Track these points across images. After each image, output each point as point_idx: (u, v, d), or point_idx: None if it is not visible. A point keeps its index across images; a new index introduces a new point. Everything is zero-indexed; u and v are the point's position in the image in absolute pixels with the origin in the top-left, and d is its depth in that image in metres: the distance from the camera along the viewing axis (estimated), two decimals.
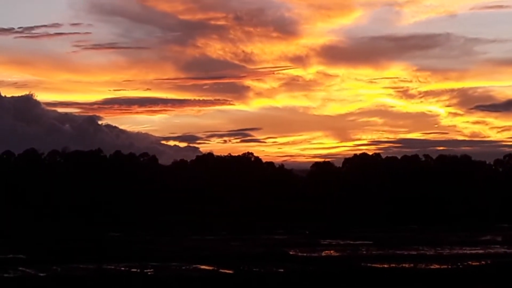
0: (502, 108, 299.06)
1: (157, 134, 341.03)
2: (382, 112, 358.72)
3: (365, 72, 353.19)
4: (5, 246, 77.46)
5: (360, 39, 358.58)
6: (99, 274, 52.70)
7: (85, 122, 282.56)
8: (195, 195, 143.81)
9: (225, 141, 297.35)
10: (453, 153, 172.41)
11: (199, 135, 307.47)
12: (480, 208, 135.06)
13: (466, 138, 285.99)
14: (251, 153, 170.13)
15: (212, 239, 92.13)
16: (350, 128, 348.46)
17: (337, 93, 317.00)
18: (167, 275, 51.65)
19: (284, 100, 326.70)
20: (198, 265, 59.21)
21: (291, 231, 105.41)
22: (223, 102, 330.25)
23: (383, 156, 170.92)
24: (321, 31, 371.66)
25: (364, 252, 72.76)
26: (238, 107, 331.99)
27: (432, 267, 57.68)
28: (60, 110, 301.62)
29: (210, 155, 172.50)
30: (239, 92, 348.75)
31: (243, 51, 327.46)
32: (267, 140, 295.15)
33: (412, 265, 58.65)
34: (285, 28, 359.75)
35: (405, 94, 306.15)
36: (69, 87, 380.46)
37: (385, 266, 58.15)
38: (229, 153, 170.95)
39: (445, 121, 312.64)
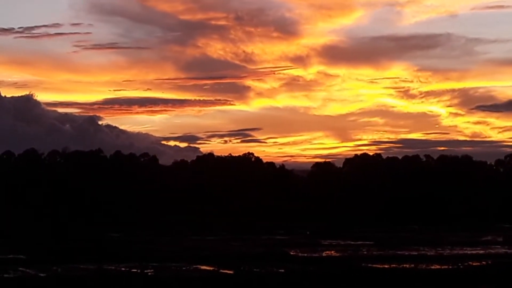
0: (503, 108, 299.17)
1: (157, 134, 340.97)
2: (383, 112, 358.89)
3: (366, 72, 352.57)
4: (5, 246, 77.37)
5: (361, 39, 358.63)
6: (99, 274, 52.62)
7: (85, 122, 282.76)
8: (196, 195, 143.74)
9: (225, 141, 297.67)
10: (454, 153, 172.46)
11: (200, 135, 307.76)
12: (481, 208, 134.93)
13: (467, 138, 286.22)
14: (252, 153, 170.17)
15: (213, 239, 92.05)
16: (351, 128, 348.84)
17: (338, 93, 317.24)
18: (167, 276, 51.58)
19: (284, 100, 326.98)
20: (199, 266, 59.13)
21: (291, 231, 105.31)
22: (224, 102, 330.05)
23: (384, 156, 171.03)
24: (322, 31, 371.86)
25: (365, 253, 72.68)
26: (238, 107, 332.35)
27: (433, 267, 57.60)
28: (60, 110, 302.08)
29: (210, 155, 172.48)
30: (240, 92, 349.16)
31: (243, 51, 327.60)
32: (267, 140, 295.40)
33: (412, 265, 58.59)
34: (285, 28, 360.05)
35: (406, 94, 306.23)
36: (69, 87, 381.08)
37: (386, 266, 58.08)
38: (230, 153, 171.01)
39: (446, 121, 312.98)
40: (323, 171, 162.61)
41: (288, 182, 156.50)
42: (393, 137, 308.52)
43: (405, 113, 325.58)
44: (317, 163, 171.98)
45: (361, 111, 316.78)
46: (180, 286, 47.02)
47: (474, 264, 60.02)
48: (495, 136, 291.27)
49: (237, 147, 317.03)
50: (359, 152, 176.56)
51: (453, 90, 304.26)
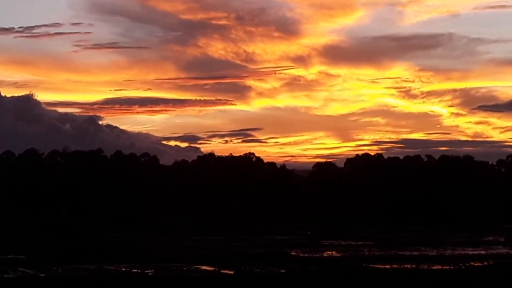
0: (505, 108, 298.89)
1: (158, 134, 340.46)
2: (384, 112, 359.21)
3: (367, 72, 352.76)
4: (6, 246, 77.22)
5: (362, 39, 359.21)
6: (99, 274, 52.47)
7: (85, 122, 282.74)
8: (196, 195, 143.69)
9: (226, 141, 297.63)
10: (455, 154, 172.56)
11: (200, 135, 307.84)
12: (482, 209, 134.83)
13: (469, 139, 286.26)
14: (253, 153, 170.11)
15: (213, 239, 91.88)
16: (352, 128, 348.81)
17: (339, 93, 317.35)
18: (168, 276, 51.42)
19: (285, 100, 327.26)
20: (199, 266, 58.97)
21: (292, 232, 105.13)
22: (225, 102, 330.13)
23: (385, 156, 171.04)
24: (323, 31, 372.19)
25: (366, 253, 72.52)
26: (239, 107, 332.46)
27: (434, 267, 57.43)
28: (61, 110, 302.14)
29: (211, 155, 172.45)
30: (241, 92, 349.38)
31: (244, 51, 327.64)
32: (268, 140, 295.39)
33: (414, 265, 58.41)
34: (286, 28, 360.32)
35: (407, 94, 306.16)
36: (70, 87, 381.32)
37: (387, 266, 57.91)
38: (231, 153, 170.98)
39: (448, 121, 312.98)
40: (324, 171, 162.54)
41: (289, 182, 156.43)
42: (394, 137, 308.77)
43: (406, 113, 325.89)
44: (318, 163, 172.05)
45: (362, 111, 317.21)
46: (180, 286, 46.87)
47: (475, 264, 59.85)
48: (497, 136, 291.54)
49: (238, 147, 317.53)
50: (360, 152, 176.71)
51: (454, 90, 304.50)
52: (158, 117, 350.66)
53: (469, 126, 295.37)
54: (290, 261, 61.99)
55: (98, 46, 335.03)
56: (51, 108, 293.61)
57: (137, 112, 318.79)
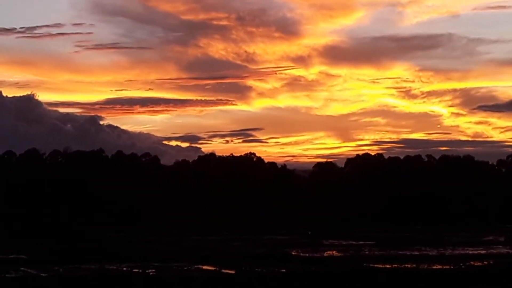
0: (505, 108, 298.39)
1: (159, 134, 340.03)
2: (385, 112, 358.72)
3: (367, 72, 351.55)
4: (7, 246, 77.40)
5: (362, 39, 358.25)
6: (101, 274, 52.61)
7: (86, 122, 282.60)
8: (197, 195, 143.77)
9: (227, 141, 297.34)
10: (456, 154, 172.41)
11: (201, 135, 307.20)
12: (482, 209, 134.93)
13: (469, 139, 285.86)
14: (253, 153, 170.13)
15: (214, 239, 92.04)
16: (353, 128, 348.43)
17: (340, 93, 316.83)
18: (169, 275, 51.57)
19: (286, 100, 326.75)
20: (200, 266, 59.12)
21: (293, 231, 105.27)
22: (225, 102, 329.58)
23: (386, 156, 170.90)
24: (323, 31, 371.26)
25: (367, 253, 72.66)
26: (240, 107, 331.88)
27: (434, 267, 57.58)
28: (62, 110, 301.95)
29: (212, 155, 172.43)
30: (241, 92, 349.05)
31: (245, 51, 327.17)
32: (269, 140, 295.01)
33: (414, 265, 58.56)
34: (287, 28, 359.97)
35: (407, 94, 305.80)
36: (71, 87, 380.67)
37: (388, 266, 58.06)
38: (231, 153, 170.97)
39: (448, 121, 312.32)
40: (325, 171, 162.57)
41: (290, 182, 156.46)
42: (394, 137, 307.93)
43: (406, 113, 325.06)
44: (318, 163, 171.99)
45: (362, 111, 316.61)
46: (182, 286, 47.01)
47: (475, 264, 59.99)
48: (497, 136, 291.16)
49: (238, 147, 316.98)
50: (360, 152, 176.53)
51: (454, 90, 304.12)
52: (159, 117, 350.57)
53: (469, 126, 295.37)
54: (291, 261, 62.14)
55: (99, 47, 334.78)
56: (52, 108, 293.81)
57: (138, 112, 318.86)
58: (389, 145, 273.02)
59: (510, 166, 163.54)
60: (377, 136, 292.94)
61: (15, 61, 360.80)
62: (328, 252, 73.66)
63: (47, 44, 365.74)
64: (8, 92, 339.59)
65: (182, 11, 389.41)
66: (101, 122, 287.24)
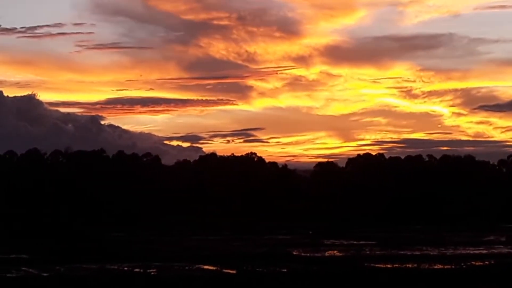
0: (506, 108, 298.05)
1: (160, 134, 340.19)
2: (386, 112, 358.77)
3: (368, 72, 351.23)
4: (8, 246, 77.46)
5: (363, 39, 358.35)
6: (102, 274, 52.63)
7: (87, 122, 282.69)
8: (198, 195, 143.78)
9: (228, 141, 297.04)
10: (456, 153, 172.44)
11: (202, 135, 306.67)
12: (483, 208, 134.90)
13: (470, 138, 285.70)
14: (254, 153, 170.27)
15: (215, 239, 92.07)
16: (354, 128, 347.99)
17: (340, 93, 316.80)
18: (170, 275, 51.57)
19: (287, 100, 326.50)
20: (201, 265, 59.13)
21: (294, 231, 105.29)
22: (226, 102, 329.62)
23: (387, 156, 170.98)
24: (324, 31, 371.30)
25: (368, 252, 72.65)
26: (241, 107, 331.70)
27: (435, 267, 57.56)
28: (63, 110, 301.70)
29: (213, 155, 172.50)
30: (242, 92, 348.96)
31: (246, 51, 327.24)
32: (270, 140, 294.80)
33: (415, 265, 58.53)
34: (288, 28, 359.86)
35: (408, 94, 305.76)
36: (72, 87, 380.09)
37: (389, 266, 58.05)
38: (232, 153, 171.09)
39: (449, 121, 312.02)
40: (326, 171, 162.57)
41: (291, 182, 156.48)
42: (395, 137, 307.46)
43: (407, 113, 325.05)
44: (319, 163, 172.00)
45: (363, 111, 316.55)
46: (183, 285, 47.01)
47: (477, 264, 59.97)
48: (498, 136, 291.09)
49: (239, 147, 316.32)
50: (361, 152, 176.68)
51: (455, 90, 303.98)
52: (160, 117, 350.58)
53: (470, 126, 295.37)
54: (292, 261, 62.12)
55: (100, 46, 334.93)
56: (53, 108, 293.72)
57: (139, 112, 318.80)
58: (390, 145, 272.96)
59: (511, 166, 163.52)
60: (378, 136, 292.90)
61: (16, 61, 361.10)
62: (329, 252, 73.66)
63: (48, 44, 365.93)
64: (9, 92, 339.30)
65: (183, 10, 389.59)
66: (102, 122, 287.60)
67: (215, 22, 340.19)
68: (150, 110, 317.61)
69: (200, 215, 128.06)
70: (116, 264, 59.41)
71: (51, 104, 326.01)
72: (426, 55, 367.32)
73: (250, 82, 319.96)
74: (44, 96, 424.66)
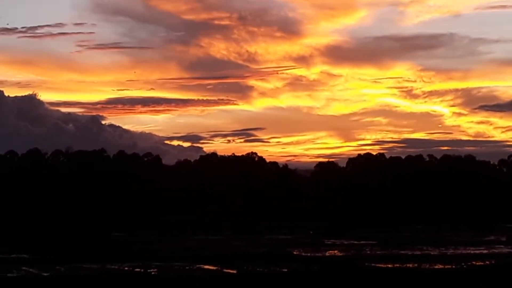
0: (506, 108, 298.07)
1: (160, 134, 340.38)
2: (386, 112, 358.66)
3: (369, 72, 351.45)
4: (9, 245, 77.49)
5: (364, 39, 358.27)
6: (102, 274, 52.65)
7: (88, 122, 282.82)
8: (199, 195, 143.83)
9: (228, 141, 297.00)
10: (457, 153, 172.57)
11: (203, 135, 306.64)
12: (484, 208, 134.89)
13: (470, 138, 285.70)
14: (255, 153, 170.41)
15: (216, 239, 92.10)
16: (354, 128, 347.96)
17: (341, 93, 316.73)
18: (171, 275, 51.59)
19: (288, 100, 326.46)
20: (202, 265, 59.15)
21: (294, 231, 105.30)
22: (227, 102, 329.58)
23: (387, 156, 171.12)
24: (325, 31, 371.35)
25: (368, 252, 72.66)
26: (242, 107, 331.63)
27: (436, 267, 57.57)
28: (64, 110, 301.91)
29: (213, 155, 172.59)
30: (243, 92, 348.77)
31: (247, 51, 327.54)
32: (271, 140, 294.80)
33: (416, 265, 58.53)
34: (288, 28, 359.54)
35: (409, 94, 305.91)
36: (73, 87, 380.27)
37: (389, 266, 58.06)
38: (233, 153, 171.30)
39: (449, 121, 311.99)
40: (326, 170, 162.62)
41: (291, 181, 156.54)
42: (396, 136, 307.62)
43: (408, 113, 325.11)
44: (320, 162, 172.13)
45: (364, 111, 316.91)
46: (184, 285, 47.02)
47: (477, 263, 59.98)
48: (498, 135, 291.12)
49: (240, 147, 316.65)
50: (362, 152, 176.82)
51: (456, 90, 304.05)
52: (161, 117, 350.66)
53: (470, 126, 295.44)
54: (293, 261, 62.14)
55: (101, 46, 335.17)
56: (54, 108, 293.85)
57: (140, 112, 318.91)
58: (391, 144, 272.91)
59: (511, 166, 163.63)
60: (379, 136, 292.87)
61: (17, 61, 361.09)
62: (330, 251, 73.67)
63: (48, 44, 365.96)
64: (10, 92, 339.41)
65: (184, 10, 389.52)
66: (103, 122, 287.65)
67: (216, 22, 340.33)
68: (151, 110, 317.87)
69: (201, 215, 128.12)
70: (116, 264, 59.42)
71: (52, 104, 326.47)
72: (427, 55, 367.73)
73: (251, 82, 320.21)
74: (45, 96, 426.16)
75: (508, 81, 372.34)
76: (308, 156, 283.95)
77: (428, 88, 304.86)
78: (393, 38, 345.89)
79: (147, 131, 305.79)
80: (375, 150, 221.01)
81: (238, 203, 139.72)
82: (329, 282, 47.55)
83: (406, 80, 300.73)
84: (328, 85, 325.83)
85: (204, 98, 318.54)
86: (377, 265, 58.65)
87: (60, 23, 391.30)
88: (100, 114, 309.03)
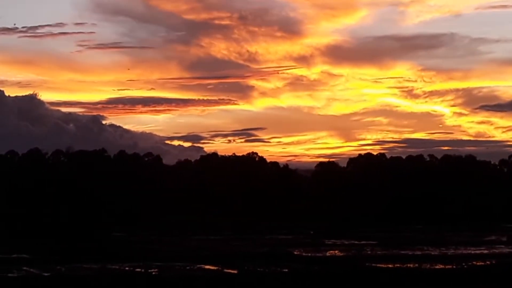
0: (507, 108, 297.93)
1: (161, 134, 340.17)
2: (387, 112, 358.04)
3: (369, 72, 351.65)
4: (9, 246, 77.49)
5: (365, 38, 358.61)
6: (102, 274, 52.64)
7: (89, 122, 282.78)
8: (199, 195, 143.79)
9: (229, 141, 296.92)
10: (458, 153, 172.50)
11: (203, 135, 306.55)
12: (484, 208, 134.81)
13: (471, 138, 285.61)
14: (256, 153, 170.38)
15: (216, 239, 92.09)
16: (355, 128, 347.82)
17: (342, 93, 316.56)
18: (171, 275, 51.60)
19: (288, 100, 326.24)
20: (202, 265, 59.15)
21: (295, 231, 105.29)
22: (228, 102, 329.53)
23: (388, 156, 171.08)
24: (326, 30, 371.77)
25: (369, 252, 72.66)
26: (242, 106, 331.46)
27: (436, 267, 57.58)
28: (64, 109, 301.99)
29: (214, 155, 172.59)
30: (244, 91, 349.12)
31: (247, 51, 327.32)
32: (271, 140, 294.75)
33: (416, 265, 58.54)
34: (289, 28, 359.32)
35: (409, 94, 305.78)
36: (73, 87, 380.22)
37: (390, 266, 58.07)
38: (234, 153, 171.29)
39: (450, 121, 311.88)
40: (327, 170, 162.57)
41: (292, 181, 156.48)
42: (397, 136, 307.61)
43: (409, 112, 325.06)
44: (321, 162, 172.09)
45: (364, 110, 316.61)
46: (184, 285, 47.03)
47: (478, 263, 59.99)
48: (499, 135, 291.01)
49: (241, 147, 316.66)
50: (363, 152, 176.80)
51: (457, 90, 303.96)
52: (161, 117, 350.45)
53: (471, 126, 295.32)
54: (293, 261, 62.16)
55: (101, 46, 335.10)
56: (54, 108, 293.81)
57: (140, 112, 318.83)
58: (391, 144, 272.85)
59: None
60: (379, 136, 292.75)
61: (17, 60, 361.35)
62: (330, 251, 73.68)
63: (49, 43, 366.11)
64: (11, 92, 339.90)
65: (184, 10, 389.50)
66: (104, 122, 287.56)
67: (217, 22, 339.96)
68: (151, 110, 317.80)
69: (201, 215, 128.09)
70: (117, 264, 59.42)
71: (52, 104, 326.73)
72: (427, 55, 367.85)
73: (252, 82, 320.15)
74: (46, 96, 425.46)
75: (509, 81, 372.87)
76: (308, 156, 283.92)
77: (428, 88, 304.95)
78: (394, 38, 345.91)
79: (147, 131, 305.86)
80: (375, 150, 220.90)
81: (238, 203, 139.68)
82: (329, 282, 47.55)
83: (407, 80, 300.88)
84: (328, 85, 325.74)
85: (205, 98, 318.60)
86: (377, 265, 58.65)
87: (61, 23, 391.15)
88: (101, 114, 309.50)
